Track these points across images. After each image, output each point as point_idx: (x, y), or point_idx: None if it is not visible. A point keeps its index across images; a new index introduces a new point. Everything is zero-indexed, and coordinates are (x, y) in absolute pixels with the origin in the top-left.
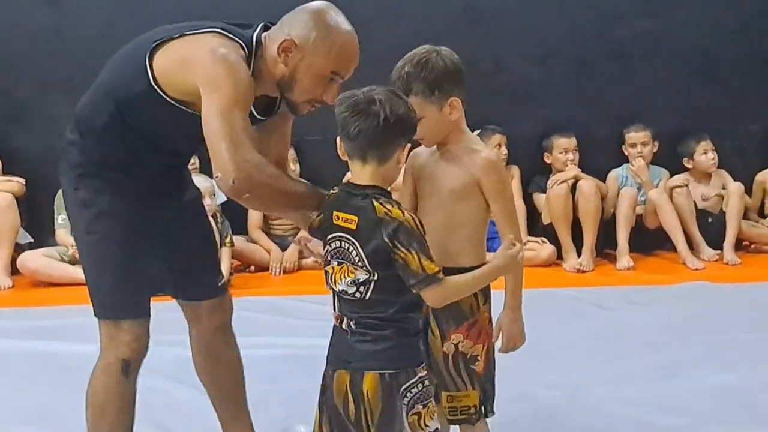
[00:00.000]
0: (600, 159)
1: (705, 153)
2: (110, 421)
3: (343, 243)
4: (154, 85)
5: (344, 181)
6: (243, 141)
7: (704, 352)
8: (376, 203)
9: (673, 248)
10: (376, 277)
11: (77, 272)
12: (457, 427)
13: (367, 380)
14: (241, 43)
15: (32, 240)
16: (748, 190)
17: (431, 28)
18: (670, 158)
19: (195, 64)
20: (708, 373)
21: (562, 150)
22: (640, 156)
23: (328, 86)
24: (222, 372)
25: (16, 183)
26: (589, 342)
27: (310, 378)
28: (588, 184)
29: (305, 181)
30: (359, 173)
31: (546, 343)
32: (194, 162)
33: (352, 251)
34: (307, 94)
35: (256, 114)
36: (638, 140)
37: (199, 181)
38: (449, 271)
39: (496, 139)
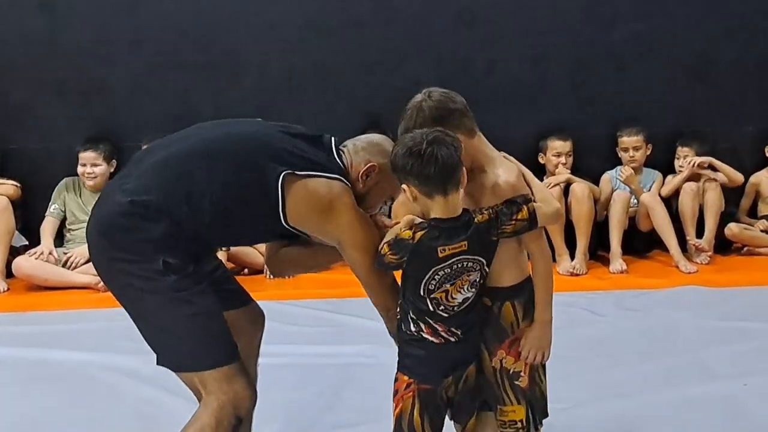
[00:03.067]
0: (594, 161)
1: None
2: None
3: (455, 265)
4: (280, 210)
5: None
6: (383, 292)
7: (695, 360)
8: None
9: (667, 250)
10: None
11: (72, 276)
12: None
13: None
14: (346, 182)
15: (27, 243)
16: (741, 191)
17: (427, 30)
18: (664, 160)
19: (342, 223)
20: (698, 382)
21: (556, 153)
22: (633, 159)
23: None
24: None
25: (11, 186)
26: (582, 351)
27: (304, 388)
28: (580, 187)
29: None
30: (444, 205)
31: None
32: None
33: (467, 264)
34: (373, 209)
35: None
36: (630, 144)
37: None
38: (492, 291)
39: None
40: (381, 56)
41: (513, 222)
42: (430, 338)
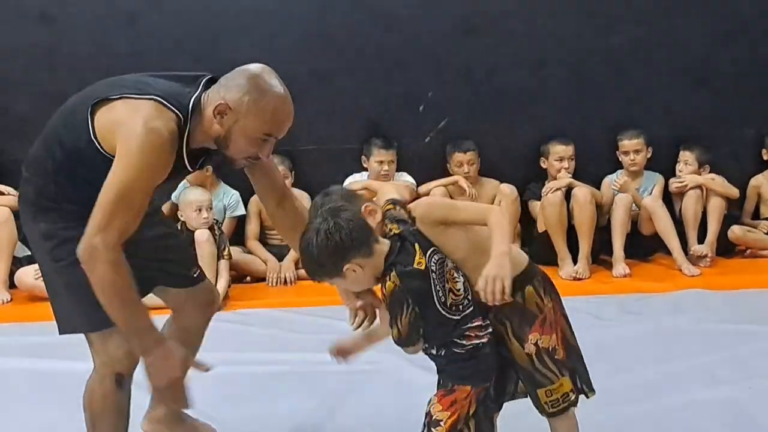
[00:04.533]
0: (595, 165)
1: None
2: (107, 428)
3: (432, 263)
4: (93, 140)
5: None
6: (112, 227)
7: (699, 364)
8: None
9: (670, 253)
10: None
11: None
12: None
13: None
14: (177, 112)
15: (30, 253)
16: (743, 194)
17: (426, 37)
18: (665, 164)
19: (123, 131)
20: (703, 386)
21: (558, 157)
22: (634, 163)
23: (263, 145)
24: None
25: (13, 197)
26: (586, 355)
27: (307, 396)
28: (582, 192)
29: (148, 322)
30: (383, 242)
31: None
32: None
33: (435, 257)
34: (242, 153)
35: (188, 167)
36: (631, 148)
37: (197, 194)
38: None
39: (455, 159)
40: (381, 64)
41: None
42: (481, 341)
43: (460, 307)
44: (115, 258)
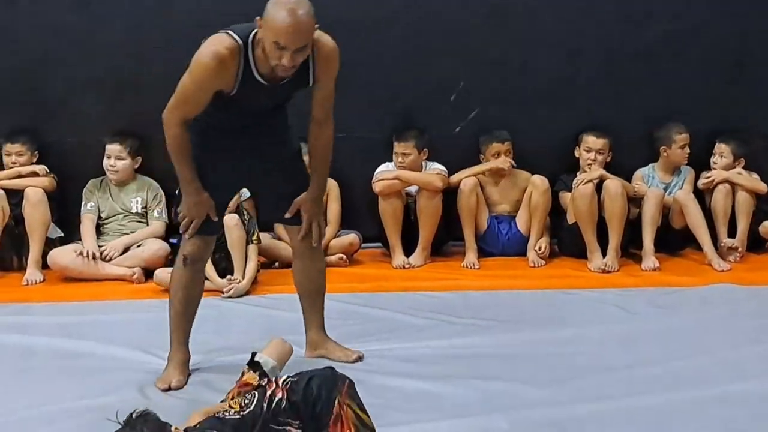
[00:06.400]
0: (628, 158)
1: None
2: (173, 295)
3: None
4: None
5: None
6: (177, 110)
7: (727, 358)
8: None
9: (699, 248)
10: None
11: (106, 268)
12: None
13: None
14: (237, 39)
15: (62, 234)
16: None
17: (459, 28)
18: (700, 157)
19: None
20: (730, 380)
21: (587, 148)
22: (687, 156)
23: (281, 53)
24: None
25: (48, 178)
26: (613, 347)
27: None
28: (614, 184)
29: (190, 175)
30: None
31: (568, 348)
32: None
33: None
34: (273, 61)
35: (262, 80)
36: (688, 141)
37: None
38: None
39: (493, 148)
40: (412, 55)
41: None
42: None
43: None
44: (176, 131)
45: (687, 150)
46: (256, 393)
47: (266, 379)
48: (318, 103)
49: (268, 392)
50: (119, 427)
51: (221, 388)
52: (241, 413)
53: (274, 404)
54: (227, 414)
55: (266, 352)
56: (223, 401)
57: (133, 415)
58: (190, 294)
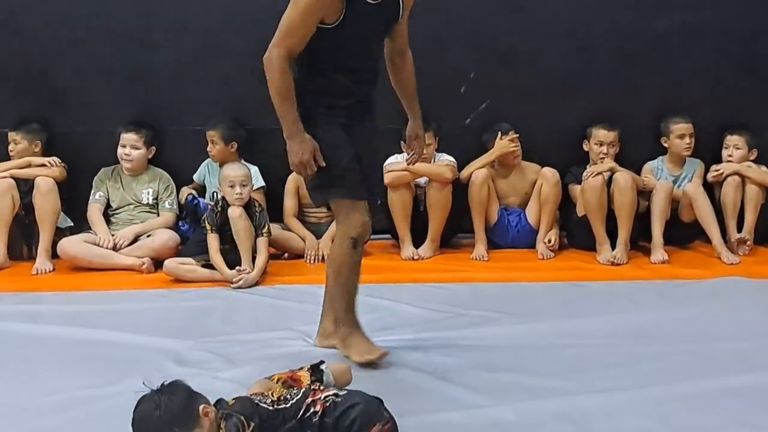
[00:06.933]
0: (638, 150)
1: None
2: (344, 280)
3: None
4: None
5: None
6: (282, 45)
7: (736, 351)
8: None
9: (708, 241)
10: None
11: (116, 258)
12: None
13: None
14: None
15: (72, 224)
16: None
17: (470, 18)
18: (709, 150)
19: None
20: (739, 372)
21: (598, 141)
22: (688, 147)
23: None
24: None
25: (58, 168)
26: (622, 340)
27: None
28: (624, 177)
29: (294, 115)
30: None
31: (577, 340)
32: (233, 146)
33: None
34: None
35: (370, 1)
36: (687, 131)
37: (232, 169)
38: None
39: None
40: (423, 45)
41: None
42: None
43: None
44: (281, 66)
45: (687, 140)
46: (299, 394)
47: (317, 385)
48: (400, 35)
49: (308, 400)
50: (147, 393)
51: (228, 378)
52: (276, 407)
53: (307, 415)
54: (263, 402)
55: (332, 368)
56: (270, 378)
57: (164, 383)
58: (358, 275)
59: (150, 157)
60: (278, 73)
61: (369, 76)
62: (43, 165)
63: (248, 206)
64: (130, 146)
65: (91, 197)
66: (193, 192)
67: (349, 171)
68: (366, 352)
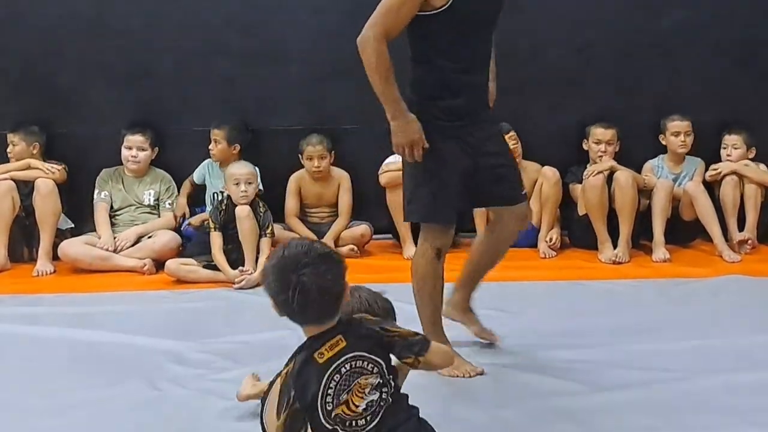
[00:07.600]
0: (638, 149)
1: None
2: (429, 289)
3: (342, 368)
4: None
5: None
6: (380, 25)
7: (738, 348)
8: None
9: (710, 239)
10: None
11: (117, 259)
12: None
13: None
14: None
15: (73, 225)
16: None
17: None
18: (709, 149)
19: None
20: (741, 370)
21: (596, 140)
22: (683, 144)
23: None
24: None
25: (59, 171)
26: (624, 338)
27: None
28: (624, 175)
29: (395, 95)
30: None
31: (579, 339)
32: (235, 148)
33: (357, 364)
34: None
35: None
36: (682, 129)
37: (237, 167)
38: None
39: None
40: None
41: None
42: None
43: (349, 423)
44: (378, 47)
45: (682, 138)
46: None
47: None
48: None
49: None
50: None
51: (230, 379)
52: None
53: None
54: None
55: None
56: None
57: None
58: (442, 284)
59: (153, 158)
60: (374, 53)
61: (481, 66)
62: (43, 171)
63: (253, 206)
64: (137, 148)
65: (95, 197)
66: (185, 212)
67: (445, 192)
68: (455, 368)
